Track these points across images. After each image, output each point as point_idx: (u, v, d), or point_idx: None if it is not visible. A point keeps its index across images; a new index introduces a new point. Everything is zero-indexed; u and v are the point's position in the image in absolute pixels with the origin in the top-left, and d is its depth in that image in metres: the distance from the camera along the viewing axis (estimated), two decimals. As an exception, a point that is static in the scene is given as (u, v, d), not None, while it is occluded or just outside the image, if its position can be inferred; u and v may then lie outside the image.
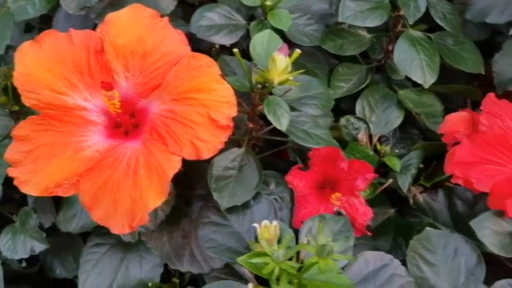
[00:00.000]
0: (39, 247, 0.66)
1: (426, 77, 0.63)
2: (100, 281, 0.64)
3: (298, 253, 0.47)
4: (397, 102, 0.70)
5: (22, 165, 0.49)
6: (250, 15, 0.67)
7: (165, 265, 0.64)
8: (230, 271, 0.53)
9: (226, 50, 0.69)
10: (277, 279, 0.43)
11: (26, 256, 0.66)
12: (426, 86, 0.64)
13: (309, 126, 0.54)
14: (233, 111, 0.50)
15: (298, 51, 0.51)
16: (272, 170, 0.60)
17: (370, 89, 0.71)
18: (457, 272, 0.53)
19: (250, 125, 0.57)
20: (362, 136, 0.67)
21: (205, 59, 0.51)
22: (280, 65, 0.49)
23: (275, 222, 0.48)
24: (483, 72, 0.68)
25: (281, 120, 0.51)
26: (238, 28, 0.65)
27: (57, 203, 0.68)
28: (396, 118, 0.69)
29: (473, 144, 0.59)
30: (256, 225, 0.47)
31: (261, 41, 0.54)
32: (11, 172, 0.49)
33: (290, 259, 0.43)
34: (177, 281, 0.65)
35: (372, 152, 0.66)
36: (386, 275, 0.50)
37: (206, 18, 0.65)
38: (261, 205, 0.52)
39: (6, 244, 0.68)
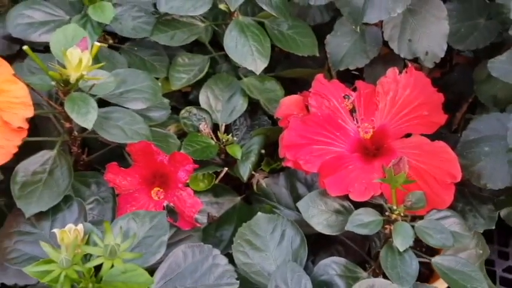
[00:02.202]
0: None
1: (257, 63, 0.63)
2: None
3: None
4: (241, 90, 0.69)
5: None
6: (77, 9, 0.64)
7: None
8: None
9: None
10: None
11: None
12: (257, 72, 0.64)
13: (124, 122, 0.53)
14: (29, 112, 0.48)
15: (97, 44, 0.49)
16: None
17: (214, 78, 0.70)
18: (283, 255, 0.53)
19: (67, 125, 0.54)
20: (203, 126, 0.66)
21: (-8, 59, 0.48)
22: (74, 60, 0.47)
23: (80, 226, 0.46)
24: (317, 54, 0.69)
25: (86, 117, 0.48)
26: (62, 24, 0.62)
27: None
28: (241, 105, 0.69)
29: (302, 125, 0.60)
30: (56, 230, 0.45)
31: (64, 36, 0.51)
32: None
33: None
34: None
35: (213, 142, 0.65)
36: (205, 267, 0.49)
37: (24, 16, 0.61)
38: (72, 209, 0.50)
39: None
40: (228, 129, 0.70)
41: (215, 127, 0.68)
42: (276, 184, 0.65)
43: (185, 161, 0.54)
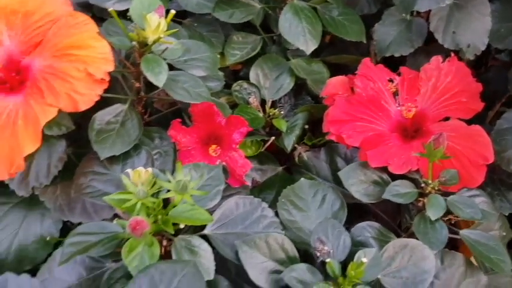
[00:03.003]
0: None
1: (308, 43, 0.69)
2: (2, 236, 0.67)
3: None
4: (288, 70, 0.74)
5: None
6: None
7: (65, 221, 0.67)
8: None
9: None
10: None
11: None
12: (308, 52, 0.69)
13: (189, 85, 0.58)
14: (109, 67, 0.53)
15: (172, 11, 0.55)
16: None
17: (264, 58, 0.75)
18: (323, 215, 0.58)
19: (137, 85, 0.60)
20: (253, 100, 0.71)
21: (82, 17, 0.54)
22: (153, 23, 0.53)
23: (150, 169, 0.51)
24: (364, 41, 0.74)
25: (158, 77, 0.54)
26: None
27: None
28: (288, 84, 0.74)
29: (347, 104, 0.65)
30: (129, 170, 0.50)
31: (142, 3, 0.57)
32: None
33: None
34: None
35: (260, 114, 0.70)
36: (254, 217, 0.54)
37: (99, -15, 0.67)
38: (141, 156, 0.56)
39: None
40: (273, 106, 0.75)
41: (262, 102, 0.74)
42: (317, 158, 0.70)
43: (240, 124, 0.59)
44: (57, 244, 0.68)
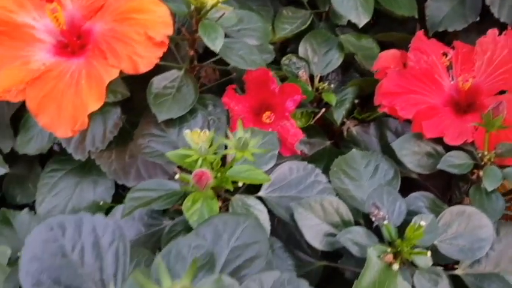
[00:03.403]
0: (0, 171, 0.69)
1: (360, 17, 0.68)
2: (56, 201, 0.69)
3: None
4: (337, 45, 0.74)
5: (-28, 74, 0.53)
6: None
7: (116, 187, 0.69)
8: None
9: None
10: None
11: (-14, 180, 0.70)
12: (360, 25, 0.69)
13: (243, 52, 0.59)
14: (169, 30, 0.54)
15: (231, -23, 0.56)
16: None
17: (313, 33, 0.75)
18: (376, 185, 0.58)
19: (191, 52, 0.61)
20: (302, 73, 0.71)
21: (142, -18, 0.55)
22: (212, -12, 0.54)
23: (207, 131, 0.52)
24: (416, 16, 0.73)
25: (215, 42, 0.55)
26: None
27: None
28: (336, 60, 0.74)
29: (400, 76, 0.65)
30: (187, 130, 0.51)
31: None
32: (-38, 80, 0.53)
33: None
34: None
35: (310, 88, 0.71)
36: (308, 182, 0.55)
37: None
38: (197, 120, 0.57)
39: (-33, 172, 0.71)
40: (321, 82, 0.75)
41: (310, 77, 0.74)
42: (366, 132, 0.70)
43: (294, 92, 0.59)
44: (109, 210, 0.70)
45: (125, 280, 0.36)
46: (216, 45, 0.55)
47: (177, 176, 0.48)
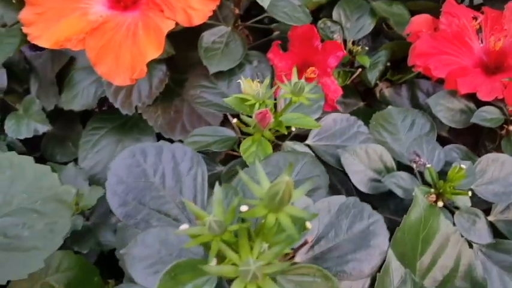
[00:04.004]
0: (43, 128, 0.72)
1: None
2: (98, 158, 0.72)
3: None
4: (369, 11, 0.77)
5: (35, 24, 0.56)
6: None
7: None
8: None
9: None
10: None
11: (30, 136, 0.72)
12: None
13: (288, 9, 0.62)
14: (221, -15, 0.57)
15: None
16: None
17: (345, 0, 0.78)
18: (413, 138, 0.61)
19: (236, 11, 0.64)
20: (337, 37, 0.74)
21: None
22: None
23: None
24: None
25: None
26: None
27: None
28: (368, 25, 0.76)
29: (433, 39, 0.68)
30: (241, 79, 0.54)
31: None
32: (25, 30, 0.56)
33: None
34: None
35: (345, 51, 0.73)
36: (351, 132, 0.58)
37: None
38: (245, 73, 0.60)
39: (11, 127, 0.74)
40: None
41: (343, 42, 0.77)
42: (398, 94, 0.73)
43: (336, 49, 0.62)
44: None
45: (203, 203, 0.39)
46: (264, 1, 0.58)
47: (234, 121, 0.51)
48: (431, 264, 0.49)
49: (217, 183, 0.30)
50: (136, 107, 0.66)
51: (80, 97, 0.70)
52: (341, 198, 0.39)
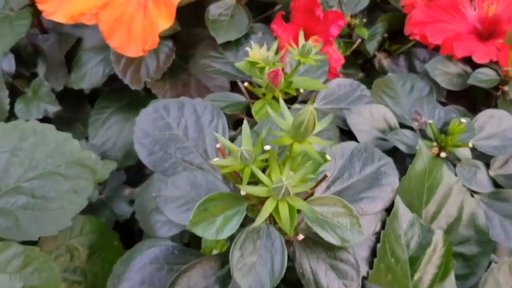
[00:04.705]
0: (52, 109, 0.74)
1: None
2: (108, 135, 0.74)
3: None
4: (365, -15, 0.80)
5: (49, 1, 0.58)
6: None
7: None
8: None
9: None
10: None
11: (39, 117, 0.74)
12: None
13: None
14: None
15: None
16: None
17: (342, -25, 0.81)
18: (413, 100, 0.64)
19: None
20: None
21: None
22: None
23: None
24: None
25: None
26: None
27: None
28: (364, 0, 0.79)
29: (428, 8, 0.71)
30: (248, 48, 0.57)
31: None
32: (40, 6, 0.58)
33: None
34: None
35: (343, 24, 0.76)
36: (355, 96, 0.61)
37: None
38: (251, 44, 0.62)
39: (21, 110, 0.75)
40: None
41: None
42: (396, 64, 0.76)
43: (338, 18, 0.65)
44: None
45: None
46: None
47: (245, 84, 0.54)
48: (436, 212, 0.52)
49: (244, 120, 0.33)
50: (145, 83, 0.69)
51: (88, 76, 0.72)
52: (353, 144, 0.42)
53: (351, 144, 0.42)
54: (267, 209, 0.30)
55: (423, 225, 0.47)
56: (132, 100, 0.77)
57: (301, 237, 0.34)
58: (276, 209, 0.30)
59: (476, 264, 0.51)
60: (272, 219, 0.35)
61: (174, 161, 0.40)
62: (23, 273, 0.42)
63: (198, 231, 0.33)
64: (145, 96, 0.77)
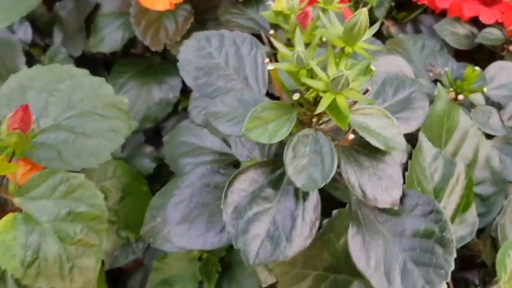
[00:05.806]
0: (70, 74, 0.75)
1: None
2: (126, 97, 0.75)
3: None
4: (371, -42, 0.83)
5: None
6: None
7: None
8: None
9: None
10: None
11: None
12: None
13: None
14: None
15: None
16: None
17: (349, -51, 0.84)
18: (425, 57, 0.67)
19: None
20: (344, -19, 0.80)
21: None
22: None
23: None
24: None
25: None
26: None
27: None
28: (371, -29, 0.83)
29: (435, -25, 0.74)
30: (271, 2, 0.59)
31: None
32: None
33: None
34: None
35: (352, -8, 0.79)
36: (371, 51, 0.63)
37: None
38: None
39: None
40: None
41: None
42: (403, 31, 0.79)
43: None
44: (177, 104, 0.78)
45: (265, 79, 0.43)
46: None
47: (271, 32, 0.56)
48: (454, 154, 0.55)
49: (297, 29, 0.35)
50: (165, 45, 0.70)
51: (107, 40, 0.74)
52: (384, 73, 0.45)
53: (382, 74, 0.44)
54: (325, 101, 0.32)
55: (446, 158, 0.50)
56: (149, 66, 0.79)
57: (351, 136, 0.36)
58: (334, 102, 0.32)
59: (492, 203, 0.54)
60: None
61: (217, 86, 0.42)
62: (68, 198, 0.43)
63: (253, 135, 0.35)
64: (161, 62, 0.80)
